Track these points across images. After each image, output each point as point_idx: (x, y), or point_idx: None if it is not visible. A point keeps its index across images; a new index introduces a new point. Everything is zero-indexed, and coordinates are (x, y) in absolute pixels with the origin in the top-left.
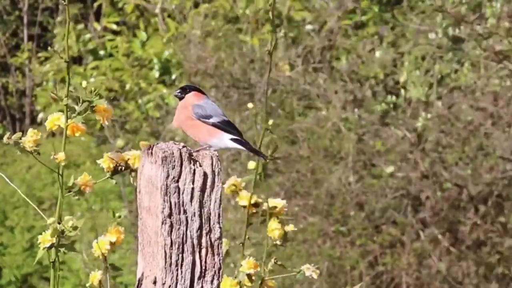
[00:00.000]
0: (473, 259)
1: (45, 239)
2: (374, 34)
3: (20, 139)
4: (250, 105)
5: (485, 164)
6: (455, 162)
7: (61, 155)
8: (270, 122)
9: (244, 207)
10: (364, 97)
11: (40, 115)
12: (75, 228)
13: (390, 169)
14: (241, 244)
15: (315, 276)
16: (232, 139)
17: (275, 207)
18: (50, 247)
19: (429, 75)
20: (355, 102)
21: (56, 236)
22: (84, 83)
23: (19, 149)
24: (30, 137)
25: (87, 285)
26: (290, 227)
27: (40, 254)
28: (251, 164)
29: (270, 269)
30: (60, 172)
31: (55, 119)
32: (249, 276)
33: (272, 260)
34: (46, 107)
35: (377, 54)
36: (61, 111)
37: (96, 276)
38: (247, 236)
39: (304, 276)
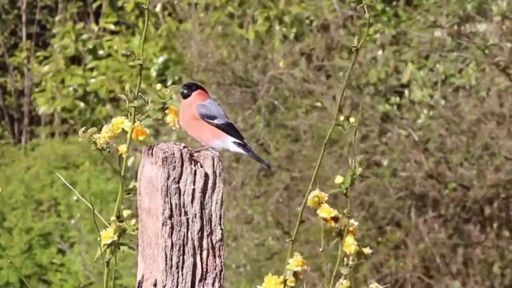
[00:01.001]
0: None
1: (107, 236)
2: (376, 31)
3: (93, 135)
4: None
5: (490, 165)
6: (460, 162)
7: (123, 147)
8: (341, 117)
9: (325, 219)
10: (363, 103)
11: (41, 109)
12: (138, 228)
13: (385, 161)
14: (291, 241)
15: None
16: (235, 143)
17: (352, 224)
18: (110, 245)
19: (433, 75)
20: (353, 106)
21: (117, 234)
22: (158, 86)
23: (93, 143)
24: (105, 133)
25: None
26: (366, 250)
27: (98, 253)
28: (339, 179)
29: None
30: (122, 172)
31: (119, 122)
32: (295, 274)
33: (343, 282)
34: (47, 103)
35: (379, 53)
36: (64, 107)
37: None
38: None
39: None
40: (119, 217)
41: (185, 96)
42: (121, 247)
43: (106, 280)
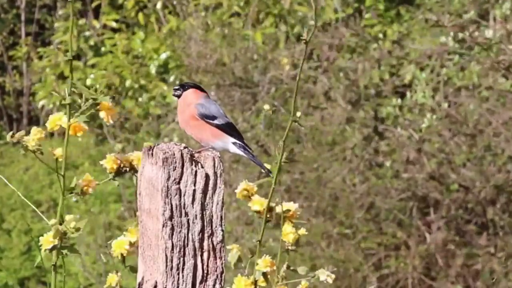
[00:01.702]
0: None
1: (47, 240)
2: (379, 32)
3: (23, 138)
4: (266, 106)
5: (493, 165)
6: (463, 163)
7: (58, 151)
8: (298, 114)
9: (257, 212)
10: (360, 105)
11: (41, 102)
12: (77, 229)
13: (388, 162)
14: (258, 242)
15: (330, 281)
16: (235, 144)
17: (289, 210)
18: (52, 249)
19: (435, 75)
20: (353, 105)
21: (58, 238)
22: (88, 81)
23: (22, 148)
24: (34, 136)
25: (105, 287)
26: (302, 231)
27: (40, 256)
28: (267, 166)
29: (282, 275)
30: (61, 172)
31: (56, 119)
32: (265, 275)
33: (284, 266)
34: (46, 97)
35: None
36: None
37: (114, 278)
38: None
39: (318, 281)
40: (61, 222)
41: (179, 97)
42: (62, 251)
43: (54, 287)
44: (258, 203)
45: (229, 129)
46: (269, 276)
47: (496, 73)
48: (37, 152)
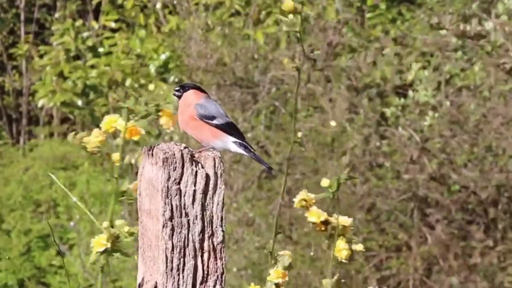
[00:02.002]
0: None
1: (99, 243)
2: (381, 31)
3: (83, 139)
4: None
5: (494, 164)
6: (464, 163)
7: (115, 156)
8: (299, 134)
9: (313, 223)
10: (361, 105)
11: (41, 101)
12: (131, 234)
13: (388, 163)
14: (269, 253)
15: None
16: (236, 143)
17: (344, 226)
18: (103, 252)
19: (437, 74)
20: (353, 107)
21: (111, 241)
22: (151, 86)
23: (82, 148)
24: (95, 138)
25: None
26: (359, 247)
27: (93, 257)
28: (325, 182)
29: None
30: (115, 175)
31: (112, 121)
32: (277, 286)
33: (334, 277)
34: (46, 96)
35: (384, 51)
36: (64, 102)
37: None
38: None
39: None
40: (112, 225)
41: (179, 97)
42: (114, 254)
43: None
44: (315, 215)
45: (229, 128)
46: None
47: (497, 73)
48: (96, 154)
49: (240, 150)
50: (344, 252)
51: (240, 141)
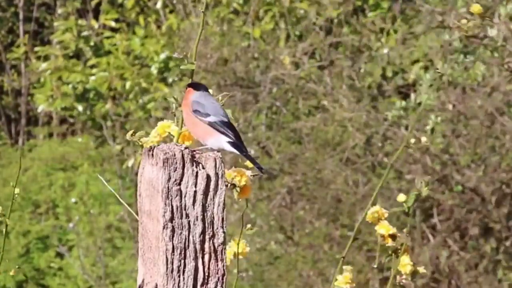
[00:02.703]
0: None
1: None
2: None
3: (141, 138)
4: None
5: (498, 165)
6: (467, 164)
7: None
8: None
9: (382, 236)
10: (362, 104)
11: (41, 107)
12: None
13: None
14: (342, 258)
15: None
16: (229, 142)
17: (407, 244)
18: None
19: (439, 77)
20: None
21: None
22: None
23: (140, 146)
24: (154, 138)
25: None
26: (421, 269)
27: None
28: (401, 197)
29: None
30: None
31: (165, 126)
32: None
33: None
34: (46, 101)
35: (385, 51)
36: (66, 108)
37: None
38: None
39: None
40: None
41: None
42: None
43: None
44: (384, 228)
45: (223, 127)
46: None
47: (501, 73)
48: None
49: (233, 150)
50: (408, 268)
51: (232, 141)
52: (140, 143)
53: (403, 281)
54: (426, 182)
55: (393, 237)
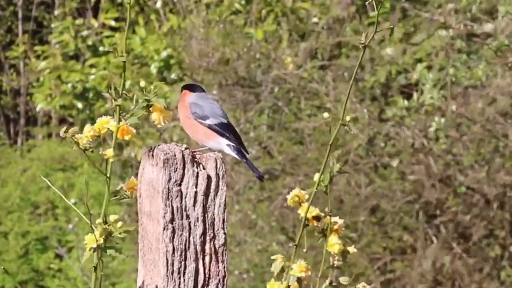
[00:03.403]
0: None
1: (92, 239)
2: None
3: (75, 135)
4: (326, 115)
5: (501, 166)
6: (471, 165)
7: (109, 151)
8: (348, 118)
9: (307, 219)
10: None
11: (39, 106)
12: (126, 231)
13: (395, 162)
14: (294, 246)
15: None
16: (229, 146)
17: (336, 222)
18: (96, 249)
19: (442, 75)
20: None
21: (104, 237)
22: (142, 83)
23: (75, 144)
24: (87, 133)
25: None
26: (351, 249)
27: (86, 256)
28: (316, 176)
29: None
30: (108, 174)
31: (104, 122)
32: (299, 280)
33: (327, 282)
34: (45, 100)
35: (388, 51)
36: (64, 106)
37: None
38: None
39: None
40: (105, 221)
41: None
42: (108, 250)
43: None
44: (305, 210)
45: (223, 129)
46: (304, 282)
47: (504, 72)
48: (88, 150)
49: (233, 154)
50: (336, 247)
51: (233, 144)
52: (75, 140)
53: (335, 262)
54: (337, 158)
55: (317, 218)
